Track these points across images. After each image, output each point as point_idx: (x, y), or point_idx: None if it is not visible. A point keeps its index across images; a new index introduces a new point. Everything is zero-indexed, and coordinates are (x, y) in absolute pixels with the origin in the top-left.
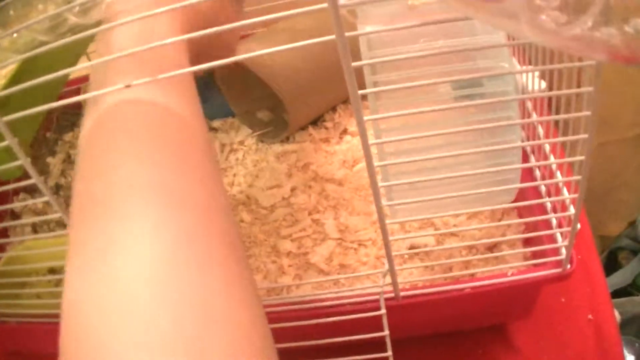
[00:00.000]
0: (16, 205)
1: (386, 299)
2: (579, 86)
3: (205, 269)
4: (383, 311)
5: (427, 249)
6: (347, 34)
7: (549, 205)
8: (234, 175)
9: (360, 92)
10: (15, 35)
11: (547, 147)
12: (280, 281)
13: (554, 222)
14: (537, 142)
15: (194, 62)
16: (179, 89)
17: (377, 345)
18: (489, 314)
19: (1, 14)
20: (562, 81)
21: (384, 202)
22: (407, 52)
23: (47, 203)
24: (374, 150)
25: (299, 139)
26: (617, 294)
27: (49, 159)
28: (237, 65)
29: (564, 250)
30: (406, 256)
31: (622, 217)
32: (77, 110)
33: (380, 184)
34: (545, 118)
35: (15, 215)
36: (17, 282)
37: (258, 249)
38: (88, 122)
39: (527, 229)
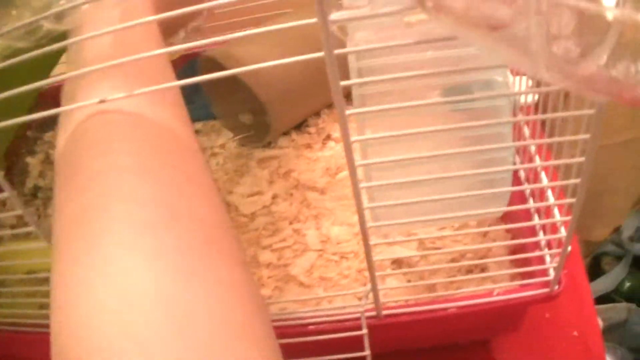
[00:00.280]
0: None
1: (368, 317)
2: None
3: (211, 283)
4: (365, 331)
5: (413, 269)
6: (336, 51)
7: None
8: (214, 180)
9: (348, 112)
10: None
11: (538, 163)
12: None
13: (543, 241)
14: (530, 165)
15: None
16: (162, 92)
17: None
18: (473, 331)
19: None
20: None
21: (369, 223)
22: (397, 66)
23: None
24: (360, 167)
25: (282, 144)
26: (600, 300)
27: (28, 159)
28: (220, 66)
29: (552, 271)
30: (389, 270)
31: (607, 222)
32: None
33: (365, 204)
34: (541, 141)
35: None
36: None
37: None
38: (62, 138)
39: (515, 245)
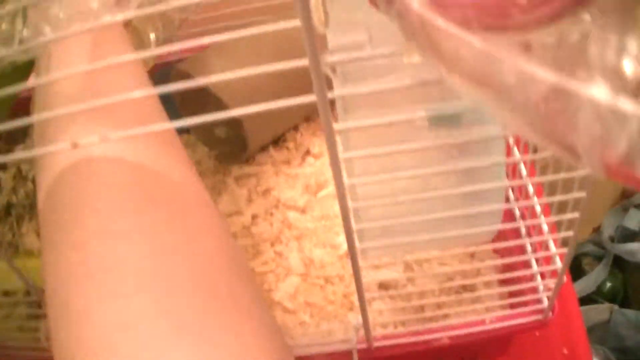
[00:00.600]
0: None
1: (359, 350)
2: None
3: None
4: None
5: (401, 291)
6: (329, 94)
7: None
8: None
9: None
10: None
11: (531, 189)
12: None
13: (535, 267)
14: (525, 202)
15: None
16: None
17: None
18: (463, 352)
19: None
20: None
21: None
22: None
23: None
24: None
25: (260, 160)
26: (581, 301)
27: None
28: (191, 78)
29: (545, 300)
30: (376, 295)
31: (586, 222)
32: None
33: (357, 244)
34: (538, 179)
35: None
36: None
37: None
38: (44, 184)
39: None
